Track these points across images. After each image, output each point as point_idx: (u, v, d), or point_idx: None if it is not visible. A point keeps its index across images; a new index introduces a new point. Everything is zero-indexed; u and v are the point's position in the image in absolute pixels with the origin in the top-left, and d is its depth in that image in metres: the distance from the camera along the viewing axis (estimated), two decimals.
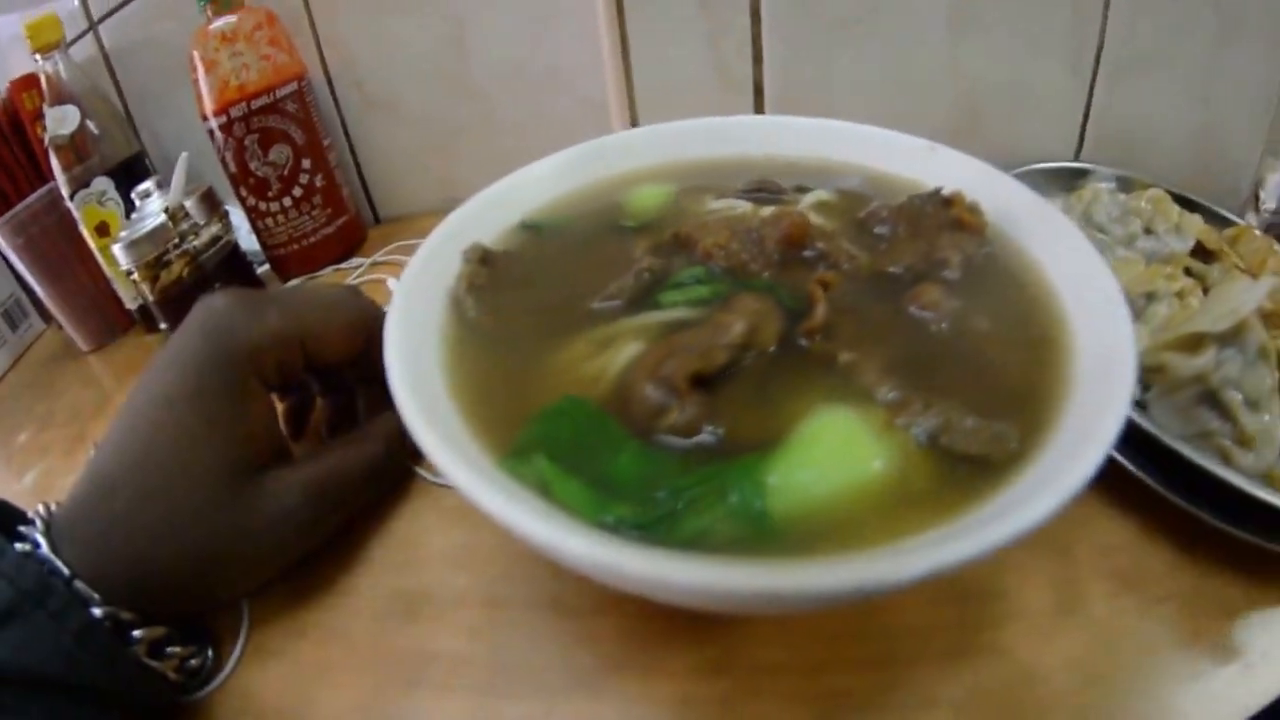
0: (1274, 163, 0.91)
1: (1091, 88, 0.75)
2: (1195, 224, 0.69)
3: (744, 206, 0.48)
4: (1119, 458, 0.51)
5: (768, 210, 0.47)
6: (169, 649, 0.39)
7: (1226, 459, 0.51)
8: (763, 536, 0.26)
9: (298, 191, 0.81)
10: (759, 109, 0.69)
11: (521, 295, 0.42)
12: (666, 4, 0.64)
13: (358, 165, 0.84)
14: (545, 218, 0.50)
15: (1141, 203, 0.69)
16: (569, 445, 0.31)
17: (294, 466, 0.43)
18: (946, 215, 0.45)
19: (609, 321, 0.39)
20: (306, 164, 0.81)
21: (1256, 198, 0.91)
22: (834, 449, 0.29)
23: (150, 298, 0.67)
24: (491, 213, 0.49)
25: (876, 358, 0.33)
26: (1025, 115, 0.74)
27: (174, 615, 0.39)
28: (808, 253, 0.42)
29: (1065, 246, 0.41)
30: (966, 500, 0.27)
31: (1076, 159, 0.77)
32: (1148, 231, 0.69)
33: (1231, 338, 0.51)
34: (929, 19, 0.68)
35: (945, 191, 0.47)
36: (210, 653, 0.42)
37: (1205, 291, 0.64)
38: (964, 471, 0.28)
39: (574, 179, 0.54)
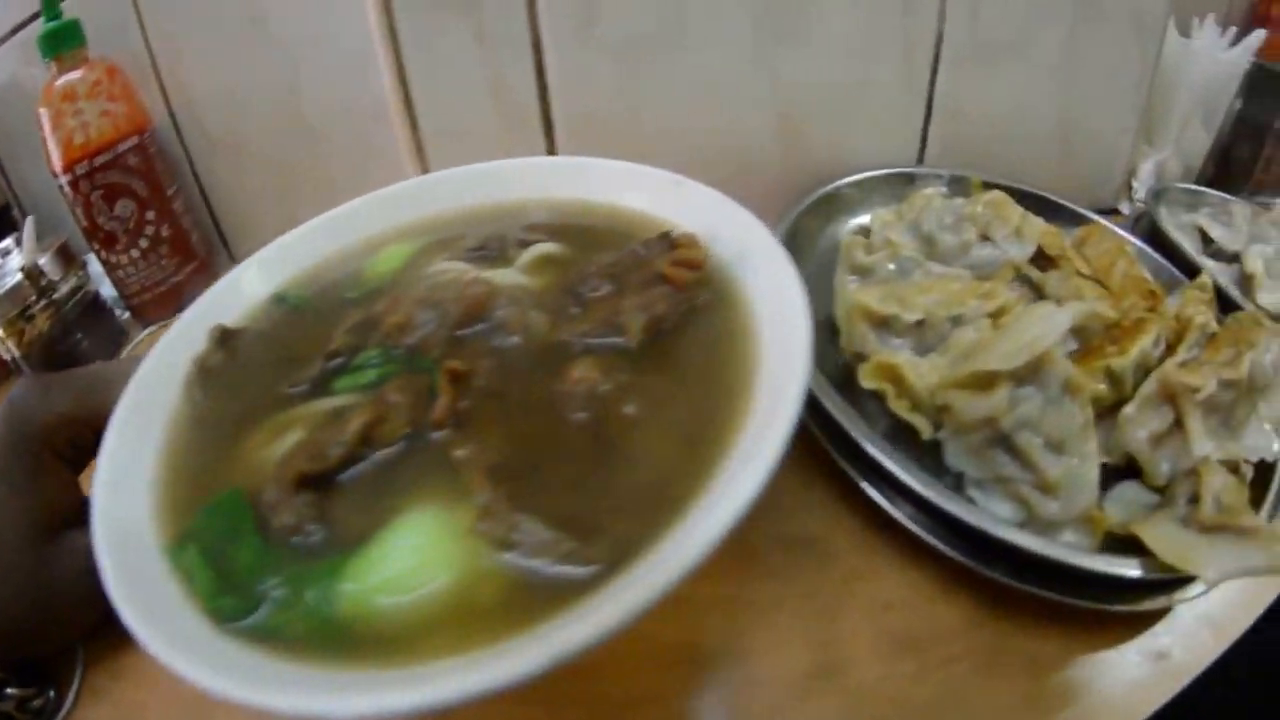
0: (1147, 150, 0.86)
1: (931, 85, 0.69)
2: (1038, 228, 0.64)
3: (460, 269, 0.43)
4: (890, 509, 0.46)
5: (471, 275, 0.42)
6: (8, 690, 0.43)
7: (1026, 507, 0.46)
8: (334, 638, 0.26)
9: (144, 243, 0.81)
10: (551, 145, 0.64)
11: (245, 376, 0.41)
12: (443, 41, 0.58)
13: (209, 207, 0.81)
14: (295, 288, 0.47)
15: (978, 208, 0.64)
16: (219, 536, 0.31)
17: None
18: (658, 267, 0.40)
19: (289, 408, 0.37)
20: (151, 215, 0.81)
21: (1129, 186, 0.86)
22: (410, 555, 0.28)
23: (17, 353, 0.69)
24: (250, 284, 0.47)
25: (490, 453, 0.31)
26: (857, 120, 0.68)
27: (7, 660, 0.43)
28: (483, 325, 0.38)
29: (777, 290, 0.36)
30: (537, 616, 0.25)
31: (920, 163, 0.72)
32: (985, 239, 0.64)
33: (1028, 375, 0.46)
34: (734, 26, 0.61)
35: (675, 234, 0.42)
36: (52, 693, 0.45)
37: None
38: (540, 583, 0.26)
39: (334, 241, 0.50)
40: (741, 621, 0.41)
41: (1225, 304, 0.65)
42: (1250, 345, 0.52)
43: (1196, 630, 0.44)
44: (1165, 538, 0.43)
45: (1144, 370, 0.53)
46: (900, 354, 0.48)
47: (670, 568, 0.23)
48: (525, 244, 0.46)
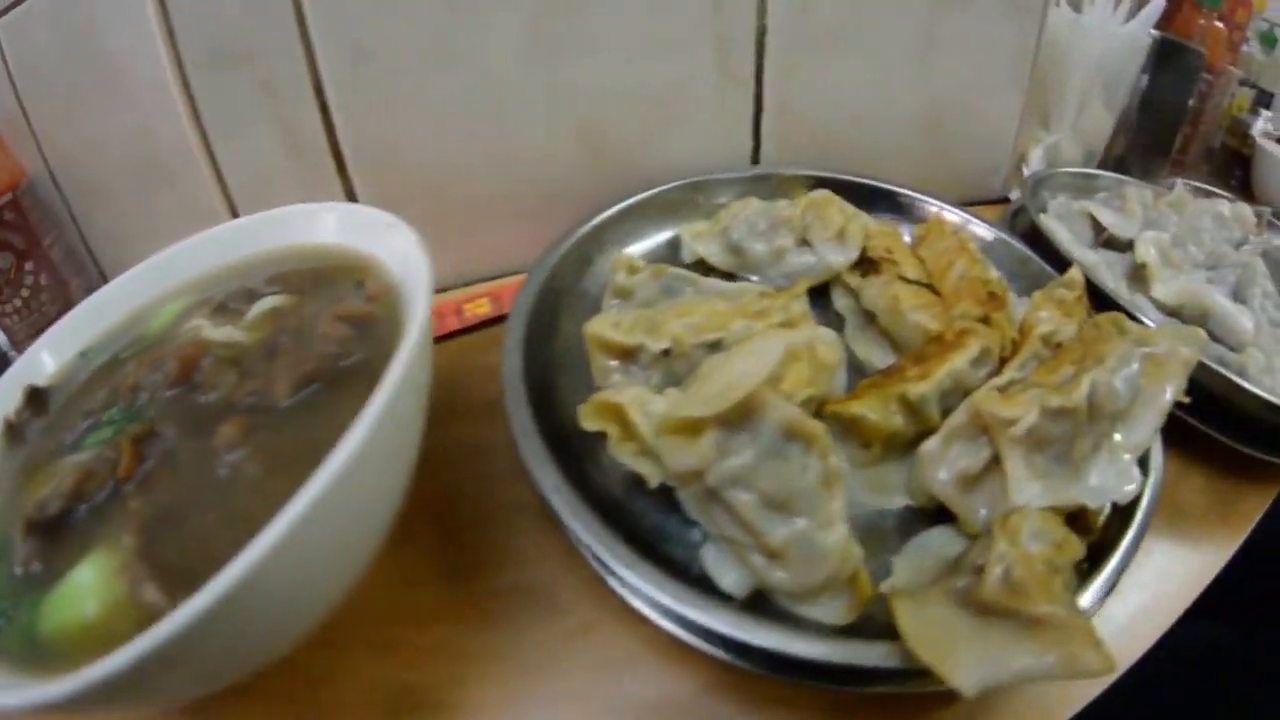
0: (1038, 134, 0.65)
1: (758, 82, 0.52)
2: (865, 228, 0.46)
3: (195, 327, 0.36)
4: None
5: (194, 334, 0.35)
6: None
7: (758, 577, 0.30)
8: (38, 655, 0.25)
9: (25, 293, 0.71)
10: (348, 185, 0.50)
11: (45, 430, 0.35)
12: (233, 95, 0.46)
13: (91, 253, 0.71)
14: (95, 345, 0.39)
15: (797, 210, 0.46)
16: None
17: None
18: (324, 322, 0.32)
19: (57, 460, 0.32)
20: (30, 266, 0.71)
21: (1022, 174, 0.65)
22: (79, 591, 0.26)
23: None
24: (63, 342, 0.39)
25: (151, 507, 0.27)
26: (675, 125, 0.52)
27: None
28: (188, 384, 0.32)
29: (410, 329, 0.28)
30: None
31: (756, 163, 0.55)
32: (805, 244, 0.46)
33: (739, 420, 0.30)
34: (510, 41, 0.46)
35: (368, 284, 0.34)
36: None
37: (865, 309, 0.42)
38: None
39: (138, 297, 0.42)
40: (462, 670, 0.32)
41: (1105, 303, 0.45)
42: (1098, 361, 0.34)
43: None
44: (925, 621, 0.28)
45: (965, 394, 0.35)
46: (629, 390, 0.33)
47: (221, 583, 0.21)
48: (257, 297, 0.36)
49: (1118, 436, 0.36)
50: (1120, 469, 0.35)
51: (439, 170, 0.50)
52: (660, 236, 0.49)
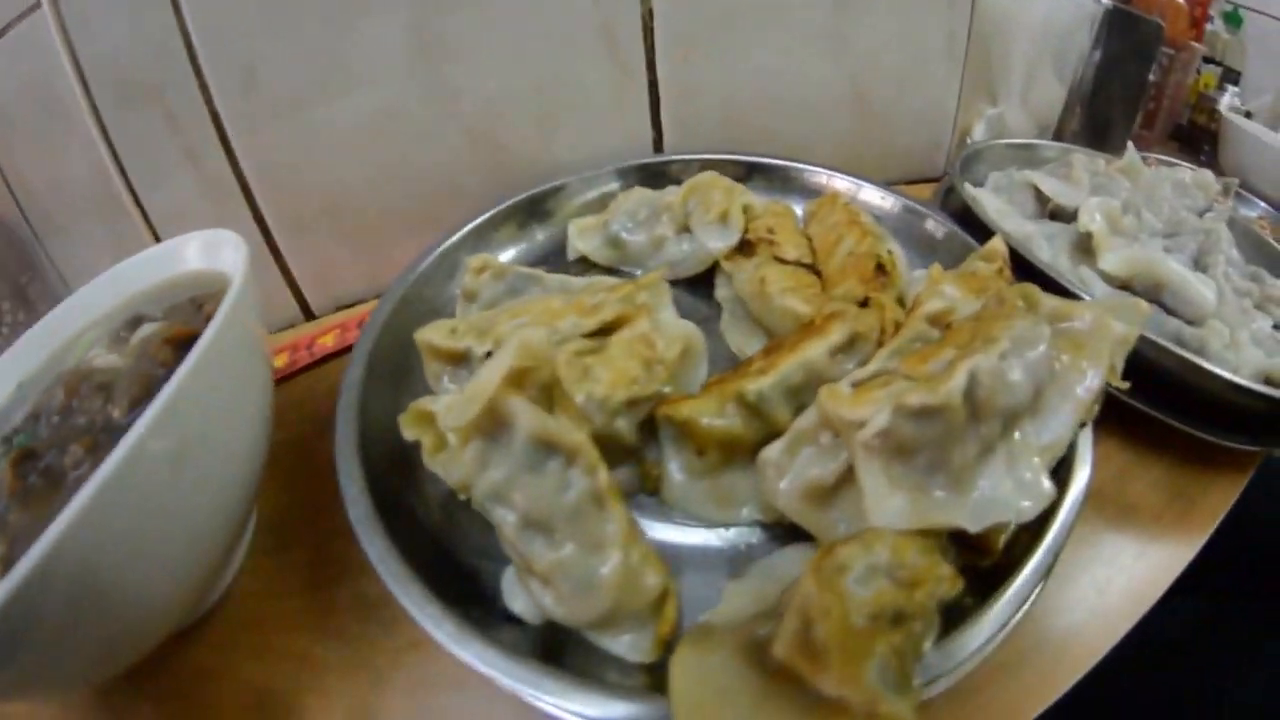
0: (981, 108, 0.51)
1: (651, 69, 0.41)
2: (748, 211, 0.35)
3: (92, 355, 0.30)
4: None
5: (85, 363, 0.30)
6: None
7: (538, 604, 0.20)
8: None
9: (5, 330, 0.67)
10: (255, 210, 0.42)
11: None
12: (142, 130, 0.39)
13: (69, 288, 0.67)
14: (31, 376, 0.34)
15: (680, 196, 0.36)
16: None
17: None
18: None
19: None
20: (7, 305, 0.66)
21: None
22: None
23: None
24: (7, 373, 0.34)
25: (21, 521, 0.23)
26: (566, 120, 0.42)
27: None
28: (72, 409, 0.27)
29: None
30: None
31: (659, 152, 0.43)
32: (686, 230, 0.35)
33: (493, 430, 0.21)
34: (394, 53, 0.38)
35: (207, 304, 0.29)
36: None
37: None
38: None
39: (70, 328, 0.36)
40: (304, 678, 0.28)
41: (1038, 279, 0.33)
42: (988, 343, 0.21)
43: None
44: (701, 678, 0.19)
45: None
46: (444, 398, 0.25)
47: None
48: (139, 324, 0.31)
49: (1019, 436, 0.24)
50: (1020, 477, 0.23)
51: (340, 188, 0.42)
52: (552, 235, 0.39)
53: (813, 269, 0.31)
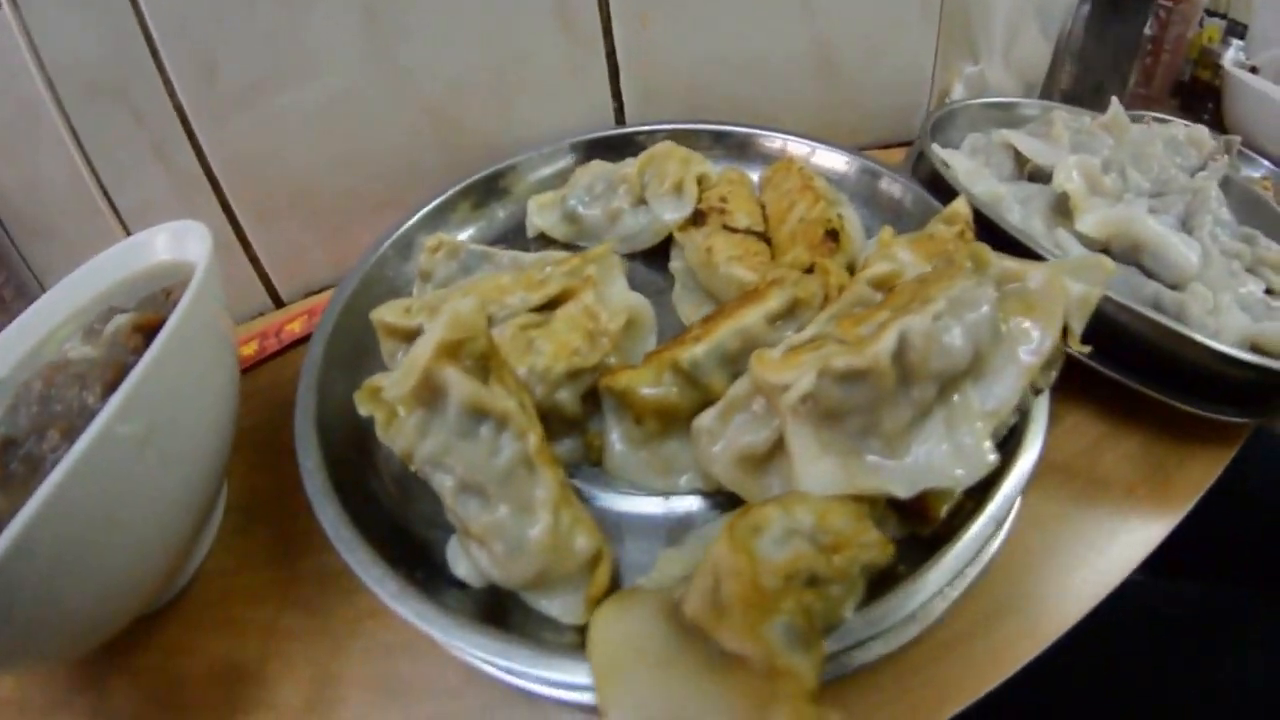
0: (961, 67, 0.49)
1: (609, 39, 0.40)
2: (703, 181, 0.34)
3: (68, 348, 0.31)
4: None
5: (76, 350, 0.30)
6: None
7: (477, 567, 0.21)
8: None
9: None
10: (223, 200, 0.42)
11: None
12: (109, 126, 0.39)
13: (43, 288, 0.67)
14: (9, 372, 0.35)
15: (636, 167, 0.35)
16: None
17: None
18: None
19: None
20: None
21: None
22: None
23: None
24: None
25: (5, 503, 0.23)
26: (524, 98, 0.41)
27: None
28: (51, 395, 0.28)
29: None
30: None
31: (620, 124, 0.42)
32: (642, 202, 0.35)
33: (430, 399, 0.22)
34: (349, 36, 0.37)
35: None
36: None
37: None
38: None
39: (48, 323, 0.36)
40: (270, 647, 0.29)
41: (1009, 244, 0.32)
42: (923, 302, 0.21)
43: None
44: (619, 632, 0.19)
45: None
46: (394, 374, 0.23)
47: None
48: (112, 317, 0.30)
49: (960, 400, 0.23)
50: (959, 443, 0.22)
51: (304, 175, 0.42)
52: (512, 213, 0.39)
53: (764, 237, 0.30)
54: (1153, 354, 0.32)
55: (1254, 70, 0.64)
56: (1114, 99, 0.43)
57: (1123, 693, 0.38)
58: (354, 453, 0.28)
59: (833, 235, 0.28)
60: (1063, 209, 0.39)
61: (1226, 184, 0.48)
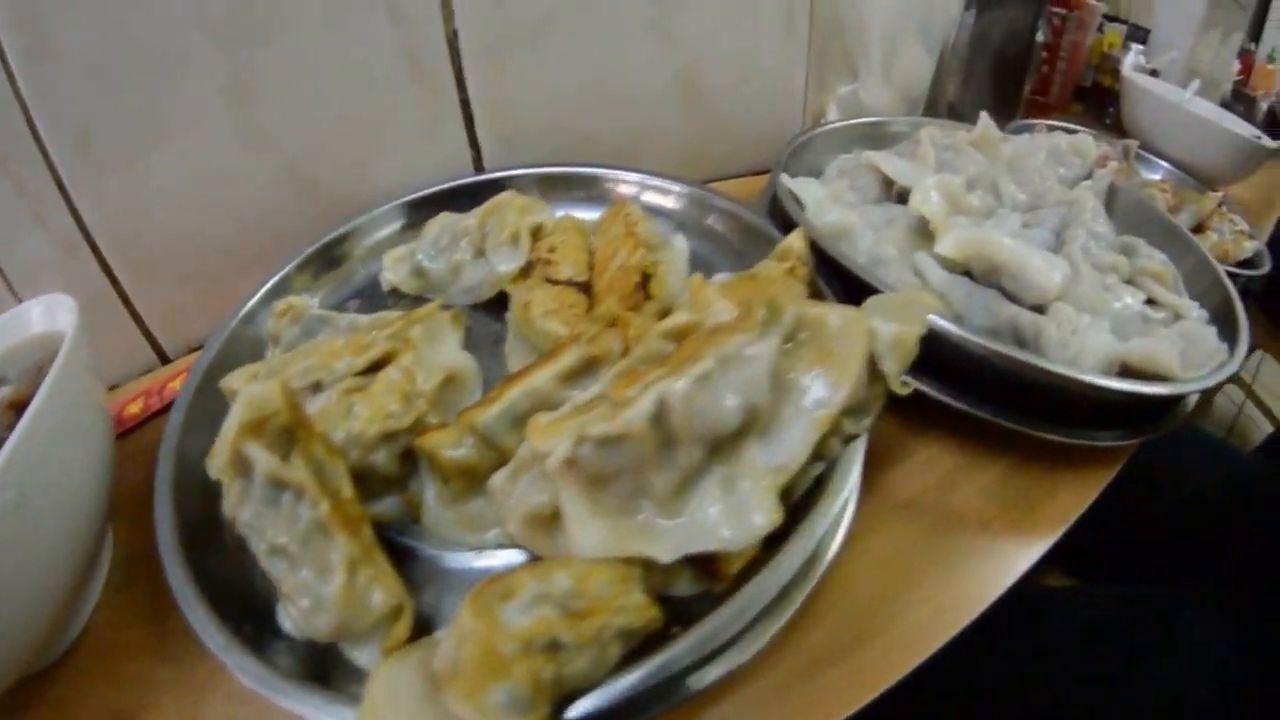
0: (836, 85, 0.48)
1: (461, 87, 0.40)
2: (538, 230, 0.33)
3: None
4: None
5: None
6: None
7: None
8: None
9: None
10: (103, 264, 0.41)
11: None
12: None
13: None
14: None
15: (477, 218, 0.34)
16: None
17: None
18: None
19: None
20: None
21: None
22: None
23: None
24: None
25: None
26: (380, 150, 0.40)
27: None
28: None
29: None
30: None
31: (479, 171, 0.42)
32: (482, 254, 0.34)
33: (244, 471, 0.23)
34: (206, 96, 0.37)
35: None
36: None
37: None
38: None
39: None
40: (146, 699, 0.28)
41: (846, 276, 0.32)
42: (691, 362, 0.20)
43: None
44: (390, 683, 0.20)
45: None
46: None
47: None
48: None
49: (742, 458, 0.22)
50: (735, 503, 0.21)
51: (178, 236, 0.41)
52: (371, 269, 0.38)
53: (586, 287, 0.29)
54: (1006, 384, 0.31)
55: (1154, 73, 0.63)
56: (983, 114, 0.43)
57: (1049, 699, 0.38)
58: (210, 514, 0.29)
59: (644, 284, 0.27)
60: (926, 231, 0.38)
61: (1113, 192, 0.47)
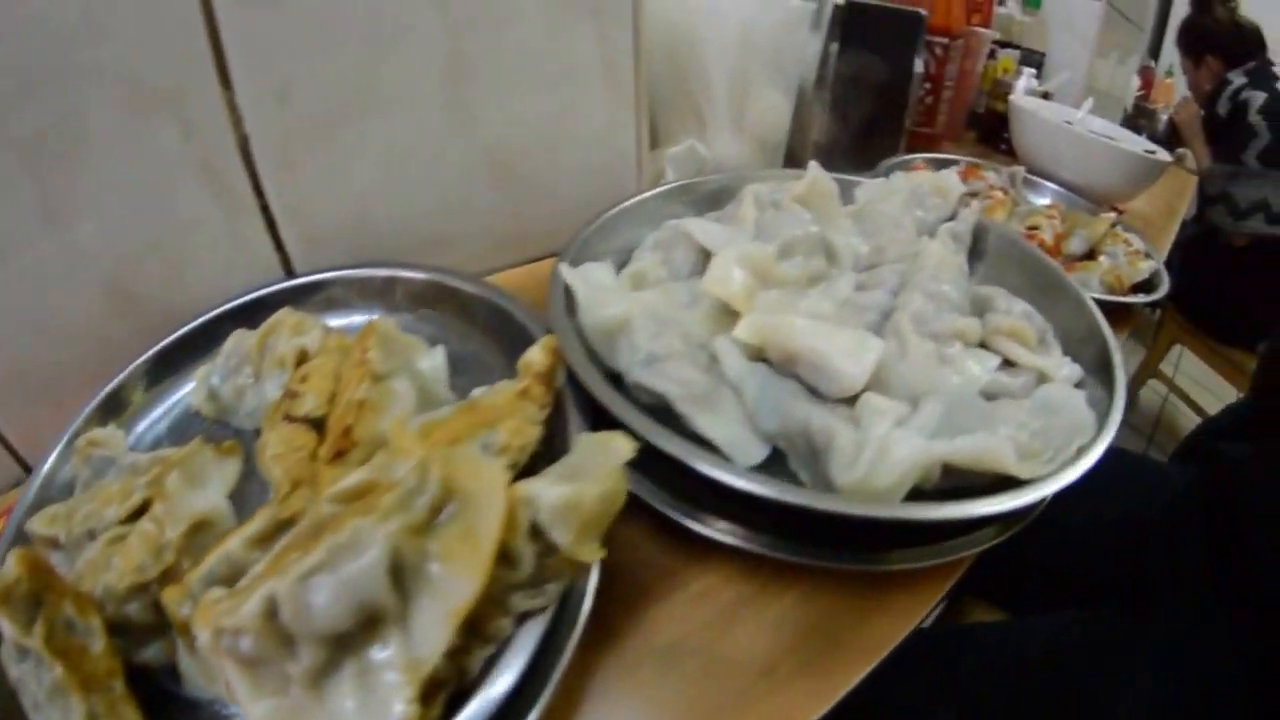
0: (684, 141, 0.45)
1: (259, 194, 0.39)
2: (303, 354, 0.33)
3: None
4: None
5: None
6: None
7: None
8: None
9: None
10: None
11: None
12: None
13: None
14: None
15: (254, 341, 0.34)
16: None
17: None
18: None
19: None
20: None
21: None
22: None
23: None
24: None
25: None
26: (194, 263, 0.40)
27: None
28: None
29: None
30: None
31: (290, 275, 0.41)
32: (259, 378, 0.34)
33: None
34: (25, 219, 0.36)
35: None
36: None
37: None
38: None
39: None
40: None
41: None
42: (305, 551, 0.19)
43: None
44: None
45: None
46: None
47: None
48: None
49: (375, 651, 0.20)
50: (369, 698, 0.20)
51: (4, 355, 0.42)
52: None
53: (318, 424, 0.28)
54: (784, 514, 0.27)
55: (1046, 96, 0.57)
56: (812, 162, 0.39)
57: None
58: None
59: (348, 433, 0.26)
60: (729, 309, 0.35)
61: (983, 233, 0.42)
